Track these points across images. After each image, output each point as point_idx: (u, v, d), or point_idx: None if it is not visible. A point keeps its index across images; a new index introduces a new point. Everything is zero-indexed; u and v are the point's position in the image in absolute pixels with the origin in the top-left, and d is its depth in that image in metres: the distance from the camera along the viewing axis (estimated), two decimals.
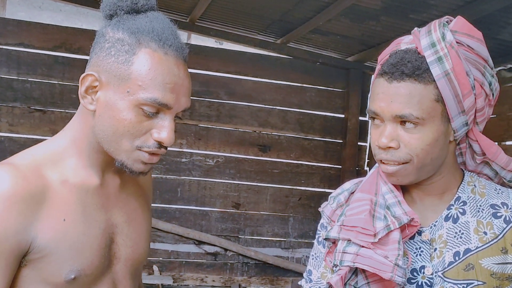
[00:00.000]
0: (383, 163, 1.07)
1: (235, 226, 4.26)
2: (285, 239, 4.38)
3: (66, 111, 3.77)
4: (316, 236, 1.25)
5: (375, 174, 1.16)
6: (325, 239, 1.12)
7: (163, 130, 1.01)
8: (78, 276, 1.03)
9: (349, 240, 1.06)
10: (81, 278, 1.04)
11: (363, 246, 1.04)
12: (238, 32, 4.14)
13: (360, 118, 4.43)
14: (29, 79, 3.77)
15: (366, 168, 4.49)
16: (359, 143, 4.44)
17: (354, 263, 1.02)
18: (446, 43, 1.04)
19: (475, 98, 1.05)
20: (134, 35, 1.00)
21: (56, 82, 3.81)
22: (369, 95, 1.14)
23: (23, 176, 0.99)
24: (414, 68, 1.02)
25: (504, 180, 1.16)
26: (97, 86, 1.02)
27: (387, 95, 1.03)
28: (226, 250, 4.23)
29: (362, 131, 4.46)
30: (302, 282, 1.24)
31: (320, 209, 1.23)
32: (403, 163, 1.05)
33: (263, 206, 4.31)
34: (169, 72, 1.01)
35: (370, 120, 1.10)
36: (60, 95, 3.80)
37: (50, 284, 1.02)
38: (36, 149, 1.08)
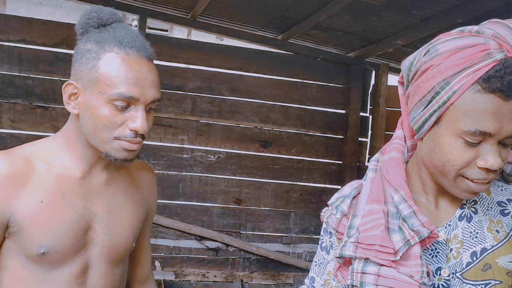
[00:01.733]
0: (476, 182, 0.98)
1: (236, 221, 4.27)
2: (286, 235, 4.39)
3: None
4: (320, 242, 1.21)
5: (379, 180, 1.10)
6: (339, 257, 1.07)
7: (136, 120, 1.17)
8: (47, 251, 1.19)
9: (366, 259, 1.01)
10: (51, 254, 1.20)
11: (383, 265, 0.99)
12: (239, 28, 4.14)
13: (361, 114, 4.44)
14: (30, 76, 3.77)
15: (367, 163, 4.49)
16: (360, 139, 4.45)
17: (377, 285, 0.98)
18: None
19: None
20: (99, 44, 1.18)
21: (58, 79, 3.81)
22: (459, 111, 0.96)
23: (12, 161, 1.19)
24: None
25: (505, 172, 1.13)
26: (76, 92, 1.20)
27: (503, 114, 0.93)
28: (227, 245, 4.24)
29: (363, 127, 4.47)
30: None
31: (323, 219, 1.18)
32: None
33: (264, 202, 4.32)
34: (132, 69, 1.16)
35: (459, 139, 0.97)
36: (62, 92, 3.79)
37: (25, 256, 1.21)
38: (35, 143, 1.28)
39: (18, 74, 3.75)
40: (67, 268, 1.24)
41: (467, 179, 0.99)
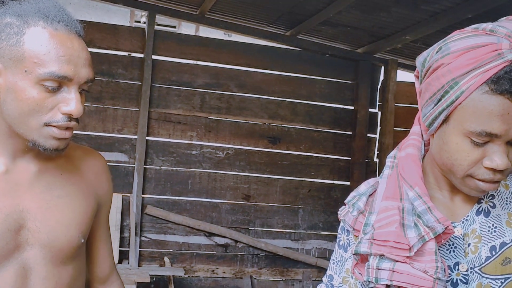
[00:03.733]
0: (485, 181, 0.98)
1: (245, 218, 4.28)
2: (294, 231, 4.40)
3: None
4: (337, 240, 1.21)
5: (395, 177, 1.10)
6: (354, 254, 1.07)
7: (70, 102, 1.03)
8: None
9: (381, 255, 1.01)
10: None
11: (398, 261, 0.99)
12: (248, 24, 4.14)
13: (370, 110, 4.43)
14: None
15: (375, 159, 4.49)
16: (368, 135, 4.44)
17: (391, 280, 0.98)
18: None
19: None
20: (21, 17, 1.03)
21: None
22: (468, 111, 0.95)
23: None
24: None
25: None
26: None
27: (511, 116, 0.92)
28: (236, 241, 4.25)
29: (372, 123, 4.46)
30: (321, 287, 1.20)
31: (340, 217, 1.17)
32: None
33: (273, 198, 4.32)
34: (62, 45, 1.03)
35: (466, 139, 0.97)
36: None
37: None
38: None
39: None
40: (0, 274, 1.08)
41: (475, 178, 0.99)
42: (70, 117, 1.04)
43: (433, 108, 1.02)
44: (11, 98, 1.02)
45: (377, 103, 4.49)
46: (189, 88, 4.08)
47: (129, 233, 3.95)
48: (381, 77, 4.48)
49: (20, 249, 1.10)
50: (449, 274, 1.04)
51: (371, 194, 1.15)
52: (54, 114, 1.03)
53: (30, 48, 1.01)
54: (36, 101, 1.01)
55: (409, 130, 1.17)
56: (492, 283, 1.03)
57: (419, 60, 1.07)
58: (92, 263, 1.34)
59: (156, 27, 4.05)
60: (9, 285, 1.09)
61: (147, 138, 4.00)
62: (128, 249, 3.96)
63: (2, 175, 1.09)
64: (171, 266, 4.08)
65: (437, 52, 1.01)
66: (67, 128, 1.05)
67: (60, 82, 1.02)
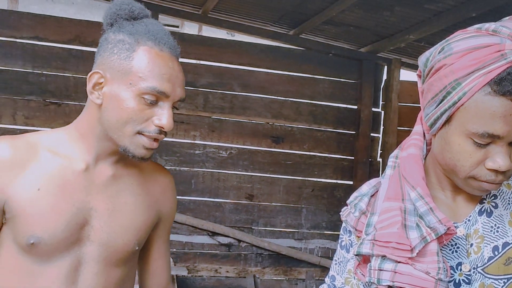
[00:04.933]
0: (487, 182, 0.98)
1: (248, 217, 4.28)
2: (298, 230, 4.39)
3: (81, 103, 3.80)
4: (339, 241, 1.21)
5: (397, 177, 1.10)
6: (356, 255, 1.07)
7: (163, 116, 1.16)
8: (37, 242, 1.15)
9: (383, 256, 1.01)
10: (40, 246, 1.15)
11: (400, 262, 0.99)
12: (251, 23, 4.13)
13: (373, 109, 4.42)
14: (44, 72, 3.80)
15: (379, 159, 4.48)
16: (372, 134, 4.43)
17: (393, 282, 0.98)
18: None
19: None
20: (133, 36, 1.17)
21: (71, 75, 3.84)
22: (470, 112, 0.95)
23: (14, 146, 1.17)
24: None
25: None
26: (102, 82, 1.17)
27: None
28: (239, 241, 4.25)
29: (375, 122, 4.45)
30: None
31: (342, 217, 1.18)
32: None
33: (276, 198, 4.32)
34: (165, 65, 1.16)
35: (468, 140, 0.97)
36: (75, 88, 3.83)
37: (17, 245, 1.17)
38: (46, 132, 1.26)
39: (32, 71, 3.78)
40: (57, 263, 1.18)
41: (478, 180, 0.99)
42: (161, 130, 1.18)
43: (435, 108, 1.01)
44: (112, 106, 1.16)
45: (381, 103, 4.48)
46: (192, 88, 4.08)
47: None
48: (385, 77, 4.48)
49: (80, 243, 1.21)
50: (452, 274, 1.04)
51: (373, 195, 1.16)
52: (148, 125, 1.16)
53: (138, 63, 1.14)
54: (135, 111, 1.14)
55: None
56: (495, 283, 1.02)
57: (421, 60, 1.06)
58: (149, 274, 1.42)
59: None
60: (62, 275, 1.19)
61: None
62: None
63: (81, 172, 1.21)
64: (174, 265, 4.08)
65: (439, 52, 1.01)
66: (155, 140, 1.19)
67: (158, 97, 1.16)
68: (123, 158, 1.25)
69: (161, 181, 1.37)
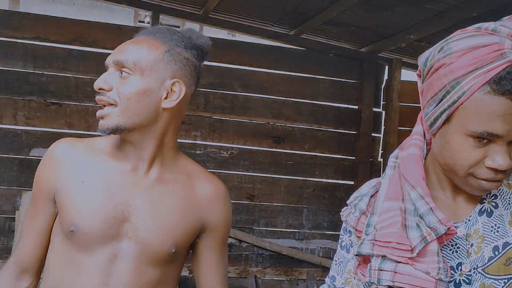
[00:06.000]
0: (486, 180, 0.98)
1: (249, 217, 4.28)
2: (299, 230, 4.39)
3: (81, 104, 3.81)
4: (339, 241, 1.21)
5: (397, 177, 1.10)
6: (356, 255, 1.07)
7: None
8: (76, 231, 1.22)
9: (383, 256, 1.01)
10: (79, 235, 1.23)
11: (400, 262, 0.99)
12: (251, 23, 4.13)
13: (374, 109, 4.42)
14: (45, 73, 3.80)
15: (380, 159, 4.48)
16: (372, 134, 4.43)
17: (393, 282, 0.99)
18: None
19: None
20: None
21: (71, 76, 3.84)
22: (469, 111, 0.95)
23: (73, 146, 1.30)
24: None
25: None
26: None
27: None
28: (240, 241, 4.25)
29: (376, 122, 4.45)
30: None
31: (342, 218, 1.18)
32: None
33: (277, 198, 4.32)
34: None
35: (468, 139, 0.97)
36: (76, 88, 3.83)
37: (62, 231, 1.26)
38: (107, 137, 1.31)
39: (33, 71, 3.78)
40: (95, 255, 1.24)
41: (477, 178, 0.99)
42: None
43: (434, 108, 1.01)
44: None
45: (382, 102, 4.48)
46: None
47: None
48: (386, 76, 4.47)
49: (118, 238, 1.25)
50: (452, 274, 1.04)
51: (373, 195, 1.16)
52: None
53: None
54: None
55: None
56: (495, 283, 1.02)
57: (421, 59, 1.06)
58: (200, 287, 1.41)
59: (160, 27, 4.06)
60: (98, 267, 1.24)
61: None
62: None
63: (127, 172, 1.28)
64: None
65: (439, 51, 1.01)
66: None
67: None
68: (172, 163, 1.32)
69: (210, 192, 1.37)
